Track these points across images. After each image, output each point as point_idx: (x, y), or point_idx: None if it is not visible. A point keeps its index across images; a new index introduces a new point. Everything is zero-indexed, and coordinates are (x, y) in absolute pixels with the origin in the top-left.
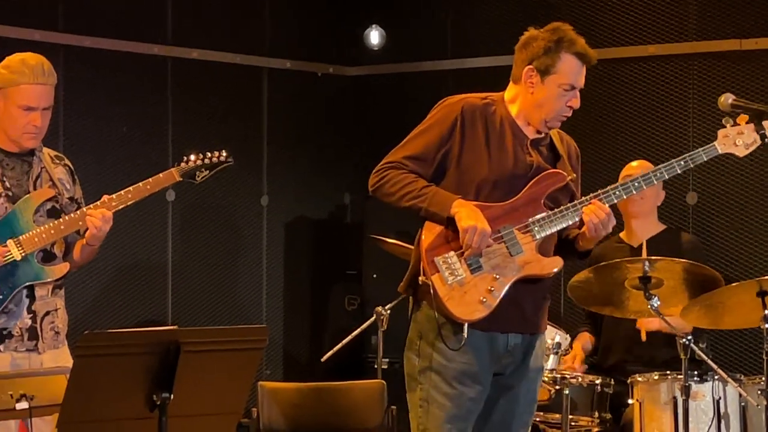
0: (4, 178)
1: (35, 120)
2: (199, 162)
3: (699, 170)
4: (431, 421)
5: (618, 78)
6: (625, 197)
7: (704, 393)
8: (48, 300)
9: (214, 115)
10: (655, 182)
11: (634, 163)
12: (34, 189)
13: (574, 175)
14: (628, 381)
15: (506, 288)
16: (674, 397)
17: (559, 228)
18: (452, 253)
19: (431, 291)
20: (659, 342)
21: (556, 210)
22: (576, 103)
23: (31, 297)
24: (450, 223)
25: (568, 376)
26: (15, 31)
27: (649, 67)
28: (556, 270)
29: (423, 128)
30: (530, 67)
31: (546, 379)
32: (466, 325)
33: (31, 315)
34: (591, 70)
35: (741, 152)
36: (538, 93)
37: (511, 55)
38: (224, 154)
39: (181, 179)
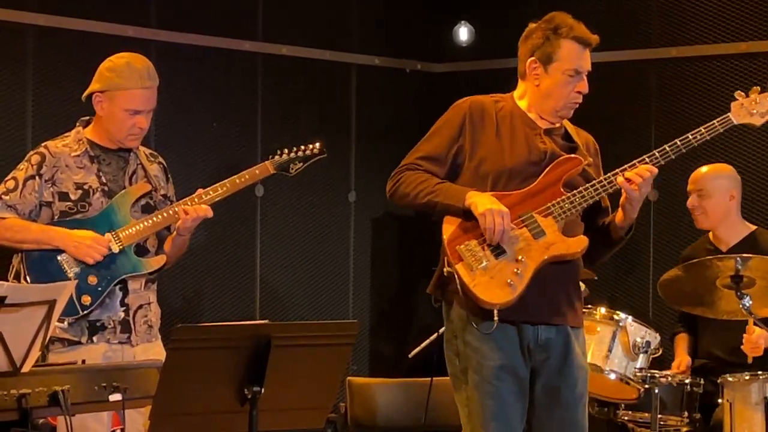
0: (101, 174)
1: (140, 123)
2: (293, 154)
3: None
4: (477, 420)
5: (709, 75)
6: (638, 166)
7: None
8: (141, 294)
9: (303, 111)
10: (673, 156)
11: (703, 169)
12: (130, 184)
13: (591, 160)
14: (719, 381)
15: (533, 270)
16: (765, 398)
17: (580, 208)
18: (474, 241)
19: (457, 279)
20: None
21: (575, 191)
22: (584, 87)
23: (124, 290)
24: (468, 214)
25: (657, 375)
26: (108, 27)
27: (741, 64)
28: (581, 249)
29: (434, 130)
30: (532, 59)
31: (635, 378)
32: (495, 311)
33: (124, 308)
34: (682, 67)
35: (757, 121)
36: (544, 83)
37: (599, 52)
38: (317, 146)
39: (276, 172)
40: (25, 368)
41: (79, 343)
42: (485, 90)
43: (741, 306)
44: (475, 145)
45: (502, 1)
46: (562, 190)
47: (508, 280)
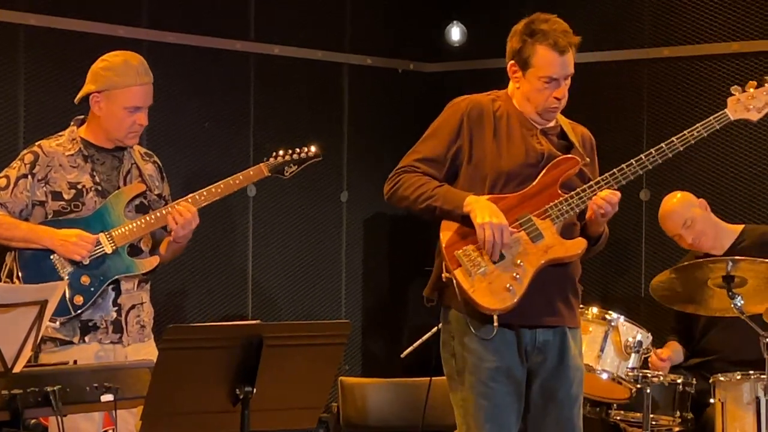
0: (95, 173)
1: (141, 119)
2: (288, 157)
3: None
4: (472, 421)
5: (701, 75)
6: (641, 172)
7: None
8: (134, 294)
9: (295, 111)
10: (670, 154)
11: (667, 206)
12: (124, 184)
13: (588, 159)
14: (710, 380)
15: (531, 275)
16: (757, 397)
17: (578, 210)
18: (472, 246)
19: (455, 285)
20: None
21: (572, 193)
22: (560, 93)
23: (117, 290)
24: (466, 219)
25: (649, 375)
26: (99, 26)
27: (732, 64)
28: (580, 251)
29: (431, 131)
30: (512, 62)
31: (628, 377)
32: (495, 316)
33: (117, 308)
34: (674, 67)
35: (754, 117)
36: (523, 86)
37: (593, 52)
38: (313, 149)
39: (270, 174)
40: (17, 368)
41: (71, 342)
42: (478, 90)
43: (732, 305)
44: (473, 147)
45: (494, 1)
46: (559, 191)
47: (507, 285)
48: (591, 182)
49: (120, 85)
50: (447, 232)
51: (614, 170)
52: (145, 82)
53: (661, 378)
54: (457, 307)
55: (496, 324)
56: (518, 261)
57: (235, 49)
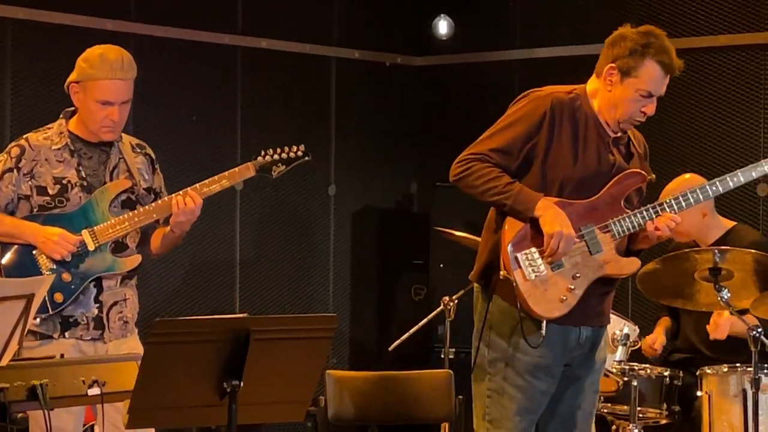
0: (81, 168)
1: (112, 114)
2: (276, 156)
3: None
4: (501, 412)
5: (688, 68)
6: (702, 201)
7: None
8: (116, 290)
9: (283, 104)
10: (732, 186)
11: (686, 175)
12: (111, 180)
13: (653, 176)
14: (697, 373)
15: (586, 287)
16: (743, 390)
17: (638, 229)
18: (534, 249)
19: (514, 287)
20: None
21: (635, 210)
22: (651, 110)
23: (99, 287)
24: (533, 221)
25: (636, 368)
26: (87, 20)
27: (719, 57)
28: (631, 272)
29: (510, 121)
30: (613, 65)
31: (614, 370)
32: (544, 322)
33: (98, 305)
34: None
35: None
36: (615, 92)
37: (581, 46)
38: (302, 148)
39: (257, 173)
40: (3, 362)
41: (51, 337)
42: (464, 83)
43: (719, 298)
44: (550, 147)
45: None
46: (622, 205)
47: (562, 296)
48: (655, 204)
49: (93, 78)
50: (511, 231)
51: (678, 195)
52: (119, 78)
53: (648, 371)
54: (503, 297)
55: (543, 333)
56: (575, 273)
57: (222, 43)
